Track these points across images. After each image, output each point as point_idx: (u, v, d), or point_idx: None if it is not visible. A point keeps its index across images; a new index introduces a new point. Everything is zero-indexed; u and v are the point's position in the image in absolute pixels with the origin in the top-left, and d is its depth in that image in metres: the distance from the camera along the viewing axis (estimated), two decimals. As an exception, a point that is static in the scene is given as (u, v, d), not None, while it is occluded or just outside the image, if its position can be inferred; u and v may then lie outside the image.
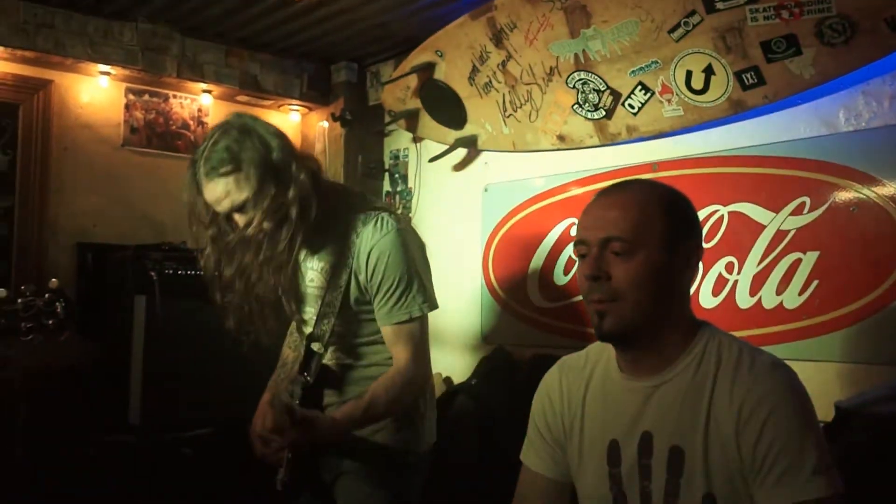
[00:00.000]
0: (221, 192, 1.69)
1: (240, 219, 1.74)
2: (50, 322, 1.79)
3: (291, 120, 4.13)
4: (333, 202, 1.85)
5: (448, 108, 3.36)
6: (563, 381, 1.52)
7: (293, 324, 2.08)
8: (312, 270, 1.90)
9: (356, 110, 3.93)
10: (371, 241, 1.80)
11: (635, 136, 2.76)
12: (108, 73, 3.48)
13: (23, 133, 3.35)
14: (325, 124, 4.02)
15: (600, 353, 1.48)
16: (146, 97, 3.71)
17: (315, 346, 1.89)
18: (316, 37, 3.65)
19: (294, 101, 4.01)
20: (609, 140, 2.84)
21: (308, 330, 1.92)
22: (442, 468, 3.17)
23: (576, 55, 2.78)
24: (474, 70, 3.14)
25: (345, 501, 1.90)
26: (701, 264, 2.52)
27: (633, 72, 2.64)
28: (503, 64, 3.02)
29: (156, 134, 3.74)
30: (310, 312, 1.92)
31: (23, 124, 3.35)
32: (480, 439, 2.92)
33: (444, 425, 3.25)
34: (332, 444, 1.83)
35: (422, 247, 1.95)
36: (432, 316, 3.63)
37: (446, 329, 3.56)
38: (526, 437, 1.57)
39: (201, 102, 3.85)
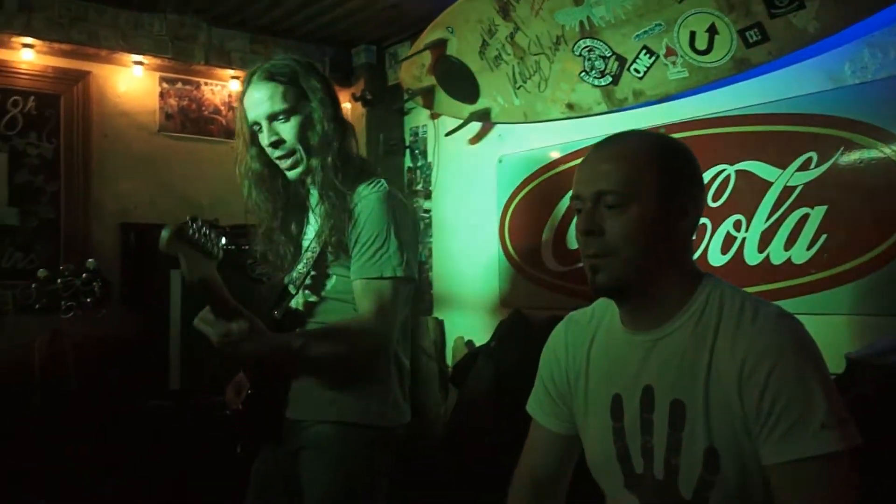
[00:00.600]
0: (263, 95, 1.63)
1: (266, 135, 1.65)
2: (88, 300, 1.73)
3: (317, 102, 4.00)
4: (352, 167, 1.72)
5: (461, 83, 3.20)
6: (568, 335, 1.39)
7: None
8: (311, 224, 1.77)
9: (376, 90, 3.80)
10: (360, 195, 1.67)
11: (642, 101, 2.58)
12: (141, 63, 3.39)
13: (65, 122, 3.29)
14: (348, 105, 3.89)
15: (606, 308, 1.34)
16: (179, 85, 3.62)
17: (290, 288, 1.75)
18: (334, 21, 3.51)
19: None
20: (617, 106, 2.67)
21: (289, 276, 1.77)
22: (462, 427, 3.10)
23: (581, 22, 2.60)
24: (484, 44, 2.98)
25: (307, 477, 1.71)
26: (709, 222, 2.35)
27: (637, 36, 2.45)
28: (511, 36, 2.85)
29: (189, 119, 3.66)
30: (302, 269, 1.77)
31: (65, 114, 3.29)
32: (499, 398, 2.81)
33: (466, 386, 3.17)
34: (277, 367, 1.67)
35: (413, 221, 1.78)
36: (454, 282, 3.55)
37: (466, 294, 3.45)
38: (533, 390, 1.45)
39: (230, 88, 3.74)
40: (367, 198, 1.65)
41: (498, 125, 3.29)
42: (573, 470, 1.42)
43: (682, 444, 1.16)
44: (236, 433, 1.76)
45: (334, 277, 1.72)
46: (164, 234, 1.41)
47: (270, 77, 1.64)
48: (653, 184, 1.17)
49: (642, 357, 1.23)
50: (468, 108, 3.25)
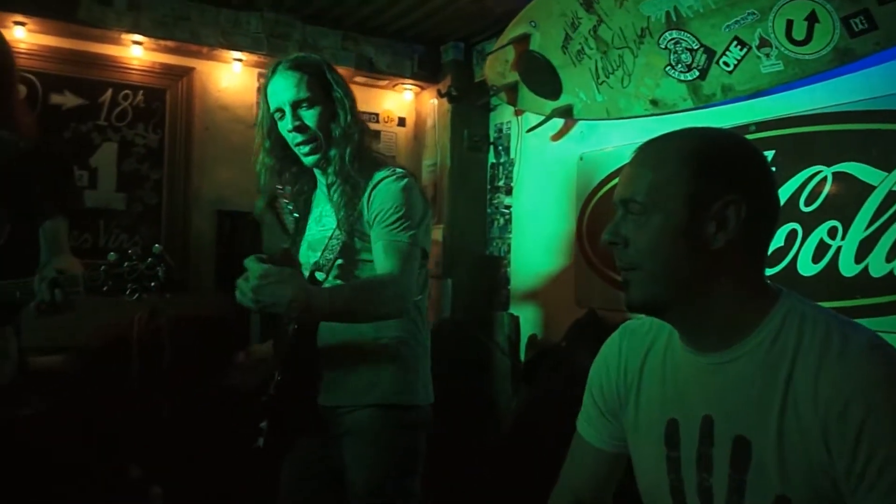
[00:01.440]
0: (289, 82, 1.64)
1: (290, 120, 1.65)
2: (152, 283, 1.65)
3: (405, 98, 3.89)
4: (367, 160, 1.70)
5: (544, 79, 2.99)
6: (622, 347, 1.18)
7: None
8: (326, 215, 1.75)
9: (462, 87, 3.64)
10: (380, 178, 1.66)
11: (731, 97, 2.29)
12: (240, 60, 3.38)
13: (170, 115, 3.33)
14: (435, 102, 3.76)
15: None
16: (275, 81, 3.59)
17: (318, 275, 1.70)
18: (423, 18, 3.38)
19: (406, 81, 3.77)
20: (703, 102, 2.39)
21: (314, 259, 1.74)
22: (529, 426, 2.91)
23: (667, 13, 2.34)
24: (567, 38, 2.76)
25: (352, 462, 1.67)
26: (800, 228, 2.02)
27: (727, 26, 2.17)
28: (594, 29, 2.62)
29: (284, 114, 3.62)
30: (314, 247, 1.76)
31: (170, 107, 3.33)
32: (567, 400, 2.60)
33: (536, 385, 2.98)
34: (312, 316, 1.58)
35: (426, 209, 1.72)
36: (530, 278, 3.34)
37: (541, 291, 3.25)
38: (583, 402, 1.26)
39: (324, 84, 3.69)
40: (385, 179, 1.65)
41: (580, 122, 3.06)
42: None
43: (746, 488, 0.94)
44: (266, 423, 1.67)
45: (361, 264, 1.69)
46: (259, 202, 1.58)
47: (296, 67, 1.66)
48: (680, 190, 0.96)
49: (703, 381, 1.02)
50: (550, 105, 3.04)
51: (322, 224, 1.76)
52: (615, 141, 2.90)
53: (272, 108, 1.69)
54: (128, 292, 1.63)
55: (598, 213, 2.99)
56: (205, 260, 3.39)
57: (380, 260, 1.61)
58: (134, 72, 3.23)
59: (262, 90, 1.72)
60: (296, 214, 1.84)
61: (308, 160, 1.69)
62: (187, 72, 3.35)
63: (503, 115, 3.62)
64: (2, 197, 1.84)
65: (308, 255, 1.77)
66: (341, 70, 3.46)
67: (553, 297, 3.17)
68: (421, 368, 1.73)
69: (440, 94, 3.61)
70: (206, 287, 3.37)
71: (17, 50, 2.93)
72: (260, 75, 3.55)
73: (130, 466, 2.99)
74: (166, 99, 3.32)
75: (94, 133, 3.18)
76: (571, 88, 2.89)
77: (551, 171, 3.26)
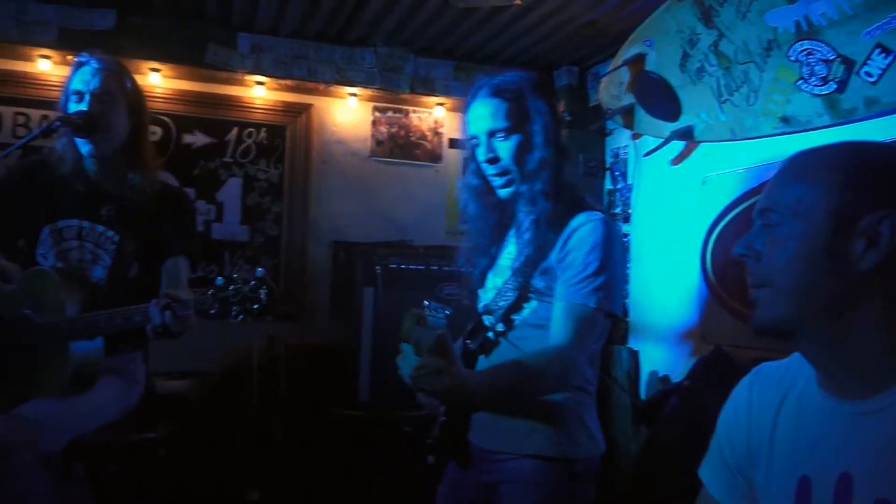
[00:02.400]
0: (486, 110, 1.55)
1: (484, 150, 1.57)
2: (255, 306, 1.68)
3: (518, 126, 3.86)
4: (565, 199, 1.57)
5: (662, 100, 2.83)
6: (753, 393, 1.05)
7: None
8: (512, 243, 1.64)
9: (576, 112, 3.56)
10: (577, 222, 1.51)
11: (876, 110, 2.04)
12: (355, 95, 3.50)
13: (289, 150, 3.49)
14: (549, 127, 3.69)
15: (804, 362, 1.00)
16: (389, 113, 3.69)
17: (486, 319, 1.63)
18: (534, 44, 3.34)
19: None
20: (843, 117, 2.15)
21: (485, 300, 1.66)
22: (651, 469, 2.72)
23: (797, 23, 2.14)
24: (685, 56, 2.60)
25: None
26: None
27: (867, 33, 1.95)
28: (715, 45, 2.45)
29: (398, 145, 3.70)
30: (492, 282, 1.66)
31: (289, 143, 3.49)
32: (690, 445, 2.40)
33: (657, 426, 2.78)
34: (470, 402, 1.53)
35: (623, 253, 1.64)
36: (651, 311, 3.16)
37: (663, 325, 3.05)
38: (708, 452, 1.13)
39: (436, 115, 3.73)
40: (585, 226, 1.51)
41: (702, 144, 2.87)
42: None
43: (889, 565, 0.79)
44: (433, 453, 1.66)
45: (534, 303, 1.57)
46: (407, 323, 1.40)
47: (496, 93, 1.56)
48: (825, 201, 0.84)
49: (842, 433, 0.88)
50: (669, 127, 2.88)
51: (510, 255, 1.65)
52: (742, 163, 2.69)
53: (469, 134, 1.61)
54: (233, 314, 1.68)
55: (724, 241, 2.78)
56: (320, 289, 3.50)
57: (556, 323, 1.51)
58: (257, 110, 3.43)
59: (465, 108, 1.63)
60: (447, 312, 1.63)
61: (502, 193, 1.60)
62: (306, 108, 3.50)
63: (620, 139, 3.49)
64: (134, 235, 2.00)
65: (493, 281, 1.66)
66: (454, 101, 3.56)
67: (675, 331, 2.97)
68: (588, 417, 1.60)
69: (553, 120, 3.53)
70: (321, 316, 3.47)
71: (153, 94, 3.22)
72: (375, 108, 3.65)
73: (249, 490, 3.10)
74: (286, 135, 3.49)
75: (221, 169, 3.39)
76: (692, 108, 2.72)
77: (672, 197, 3.08)
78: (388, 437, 2.76)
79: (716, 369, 2.59)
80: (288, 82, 3.33)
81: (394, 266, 2.89)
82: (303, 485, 3.01)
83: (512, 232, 1.66)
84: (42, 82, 3.11)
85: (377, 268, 2.83)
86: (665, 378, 2.95)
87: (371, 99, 3.59)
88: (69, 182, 1.97)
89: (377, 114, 3.66)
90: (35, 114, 3.15)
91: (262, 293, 1.67)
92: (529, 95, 1.57)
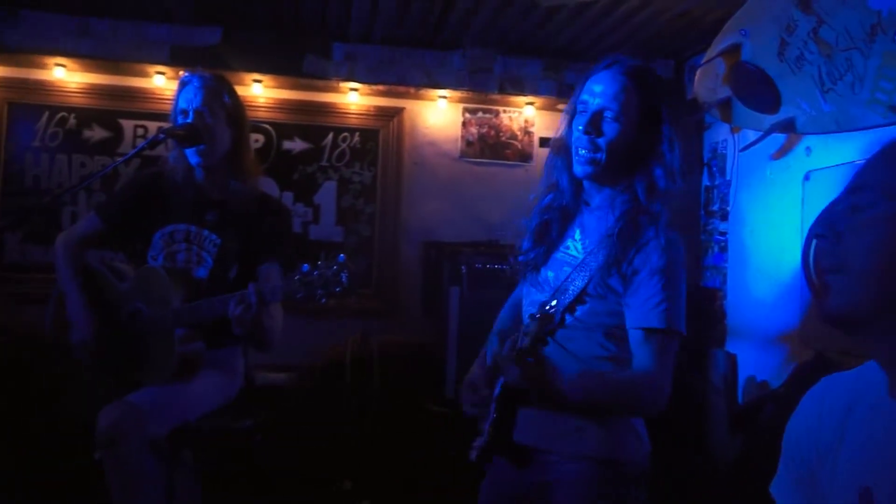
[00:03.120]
0: (607, 86, 1.48)
1: (586, 120, 1.50)
2: (337, 289, 1.81)
3: (611, 122, 3.78)
4: (652, 194, 1.52)
5: (759, 91, 2.70)
6: (824, 403, 1.01)
7: (515, 296, 1.83)
8: (575, 240, 1.59)
9: (672, 105, 3.43)
10: (651, 237, 1.46)
11: None
12: (445, 97, 3.56)
13: (382, 153, 3.61)
14: (643, 123, 3.59)
15: (878, 371, 0.95)
16: (479, 114, 3.72)
17: (543, 316, 1.58)
18: (626, 38, 3.26)
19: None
20: (960, 104, 1.98)
21: (542, 297, 1.60)
22: (748, 483, 2.59)
23: (903, 4, 1.99)
24: (783, 44, 2.46)
25: None
26: None
27: (984, 11, 1.78)
28: (814, 31, 2.31)
29: (488, 145, 3.73)
30: (550, 278, 1.61)
31: (382, 146, 3.61)
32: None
33: (753, 433, 2.66)
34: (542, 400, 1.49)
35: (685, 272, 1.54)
36: (749, 313, 3.03)
37: (760, 326, 2.91)
38: (778, 467, 1.10)
39: (526, 115, 3.73)
40: (665, 241, 1.45)
41: (805, 136, 2.71)
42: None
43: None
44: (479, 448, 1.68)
45: (588, 305, 1.53)
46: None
47: (637, 79, 1.49)
48: None
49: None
50: (769, 119, 2.74)
51: (568, 252, 1.60)
52: (848, 156, 2.52)
53: (579, 101, 1.53)
54: (317, 296, 1.80)
55: (828, 240, 2.61)
56: (412, 288, 3.60)
57: (637, 345, 1.47)
58: (351, 116, 3.57)
59: (583, 78, 1.57)
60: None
61: (579, 170, 1.53)
62: (398, 112, 3.60)
63: (718, 133, 3.34)
64: (234, 239, 2.17)
65: (546, 276, 1.61)
66: (543, 100, 3.55)
67: (773, 333, 2.82)
68: (635, 419, 1.58)
69: (646, 116, 3.44)
70: (413, 313, 3.57)
71: (255, 104, 3.43)
72: (465, 109, 3.70)
73: (343, 479, 3.24)
74: (379, 138, 3.61)
75: (318, 173, 3.56)
76: (792, 99, 2.56)
77: (773, 193, 2.93)
78: (471, 434, 2.80)
79: (815, 376, 2.43)
80: (380, 87, 3.44)
81: (479, 266, 2.92)
82: (394, 476, 3.11)
83: (576, 228, 1.60)
84: (158, 97, 3.40)
85: (462, 268, 2.89)
86: (763, 384, 2.81)
87: (461, 100, 3.65)
88: (179, 190, 2.17)
89: (467, 115, 3.71)
90: (152, 126, 3.44)
91: (344, 276, 1.80)
92: (661, 97, 1.52)
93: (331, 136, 3.57)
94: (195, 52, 3.20)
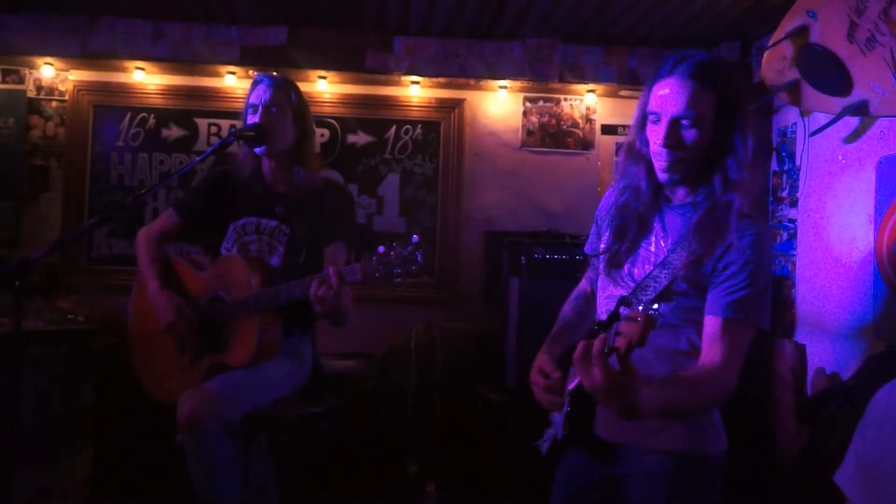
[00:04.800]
0: (678, 92, 1.44)
1: (663, 131, 1.47)
2: (413, 268, 1.93)
3: (675, 107, 3.72)
4: (737, 189, 1.50)
5: (829, 74, 2.62)
6: (890, 404, 1.03)
7: (582, 287, 1.85)
8: (657, 237, 1.60)
9: (743, 95, 3.35)
10: (741, 231, 1.46)
11: None
12: (504, 87, 3.59)
13: (443, 144, 3.68)
14: (709, 108, 3.52)
15: None
16: (540, 103, 3.73)
17: (647, 319, 1.61)
18: (691, 20, 3.20)
19: (676, 89, 3.60)
20: None
21: (622, 292, 1.60)
22: (815, 475, 2.55)
23: (980, -18, 1.90)
24: (852, 25, 2.38)
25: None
26: None
27: None
28: (885, 11, 2.23)
29: (549, 134, 3.74)
30: (631, 274, 1.61)
31: (443, 137, 3.68)
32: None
33: (820, 426, 2.60)
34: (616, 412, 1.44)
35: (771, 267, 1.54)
36: (819, 303, 2.96)
37: (830, 316, 2.83)
38: (844, 460, 1.12)
39: (587, 102, 3.72)
40: (753, 235, 1.46)
41: (878, 119, 2.61)
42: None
43: None
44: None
45: (673, 301, 1.54)
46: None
47: (697, 75, 1.45)
48: None
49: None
50: (839, 102, 2.65)
51: (650, 249, 1.60)
52: (926, 140, 2.42)
53: (649, 109, 1.50)
54: (395, 275, 1.92)
55: (904, 228, 2.52)
56: (473, 277, 3.66)
57: (711, 339, 1.46)
58: (413, 108, 3.65)
59: (649, 83, 1.54)
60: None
61: (664, 177, 1.53)
62: (458, 103, 3.66)
63: (787, 117, 3.25)
64: (301, 227, 2.32)
65: (629, 272, 1.60)
66: (605, 87, 3.53)
67: (843, 324, 2.74)
68: (714, 413, 1.58)
69: (712, 100, 3.37)
70: (475, 303, 3.64)
71: (321, 100, 3.56)
72: (525, 99, 3.72)
73: (409, 464, 3.36)
74: (440, 130, 3.68)
75: (381, 165, 3.66)
76: (864, 81, 2.48)
77: (844, 179, 2.83)
78: (532, 422, 2.85)
79: (886, 369, 2.37)
80: (441, 80, 3.50)
81: (538, 256, 2.96)
82: (457, 460, 3.20)
83: (658, 225, 1.59)
84: (229, 95, 3.57)
85: (522, 258, 2.92)
86: (833, 376, 2.74)
87: (521, 90, 3.67)
88: (248, 185, 2.34)
89: (528, 104, 3.72)
90: (224, 123, 3.62)
91: (419, 255, 1.92)
92: (726, 84, 1.47)
93: (393, 128, 3.66)
94: (263, 52, 3.35)
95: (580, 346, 1.36)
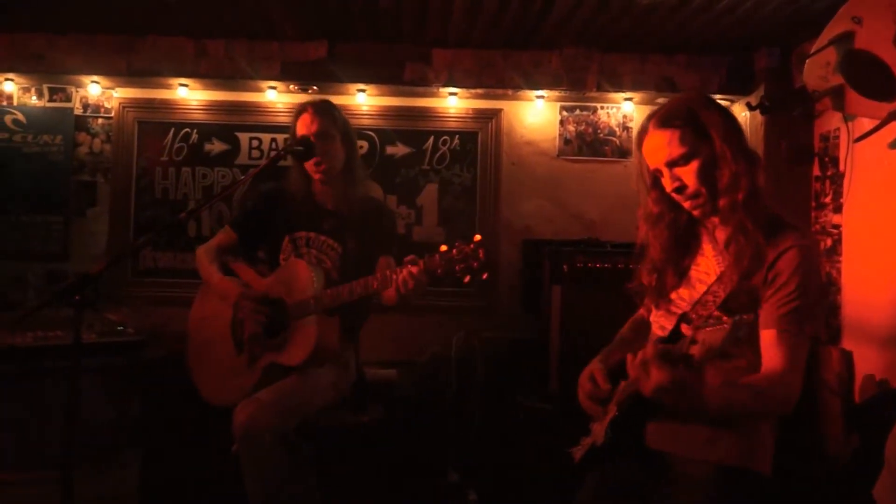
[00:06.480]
0: (660, 142, 1.59)
1: (668, 181, 1.62)
2: (474, 265, 2.00)
3: (713, 114, 3.73)
4: (762, 214, 1.58)
5: (875, 79, 2.62)
6: None
7: (640, 313, 1.89)
8: (705, 256, 1.66)
9: (778, 96, 3.35)
10: (788, 245, 1.52)
11: None
12: (542, 97, 3.62)
13: (481, 154, 3.73)
14: (746, 115, 3.52)
15: None
16: (577, 112, 3.77)
17: (685, 330, 1.64)
18: (729, 28, 3.21)
19: (714, 97, 3.60)
20: None
21: (678, 310, 1.66)
22: (863, 484, 2.53)
23: None
24: (899, 31, 2.38)
25: None
26: None
27: None
28: (934, 17, 2.23)
29: (585, 143, 3.77)
30: (685, 294, 1.67)
31: (481, 147, 3.73)
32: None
33: (870, 434, 2.59)
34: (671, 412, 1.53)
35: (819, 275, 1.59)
36: (866, 309, 2.95)
37: (878, 323, 2.82)
38: (881, 474, 1.14)
39: (624, 110, 3.74)
40: (793, 249, 1.52)
41: (926, 124, 2.60)
42: None
43: None
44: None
45: (730, 315, 1.56)
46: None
47: (665, 123, 1.60)
48: None
49: None
50: (885, 107, 2.64)
51: (700, 268, 1.67)
52: (976, 144, 2.41)
53: (651, 168, 1.66)
54: (458, 272, 2.00)
55: (954, 233, 2.50)
56: (511, 286, 3.69)
57: (767, 348, 1.52)
58: (450, 119, 3.70)
59: (638, 143, 1.70)
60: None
61: (697, 213, 1.64)
62: (496, 113, 3.71)
63: (830, 121, 3.24)
64: (350, 242, 2.45)
65: (679, 295, 1.68)
66: (642, 94, 3.55)
67: (895, 332, 2.73)
68: (769, 427, 1.61)
69: (749, 108, 3.38)
70: (514, 311, 3.67)
71: (360, 112, 3.63)
72: (562, 108, 3.75)
73: (450, 471, 3.39)
74: (478, 140, 3.73)
75: (419, 176, 3.72)
76: (911, 87, 2.48)
77: (890, 185, 2.82)
78: (575, 430, 2.87)
79: (941, 377, 2.35)
80: (479, 91, 3.55)
81: (580, 264, 2.98)
82: (498, 469, 3.23)
83: (707, 244, 1.66)
84: (270, 110, 3.66)
85: (564, 266, 2.95)
86: (882, 382, 2.72)
87: (558, 99, 3.70)
88: (299, 201, 2.46)
89: (564, 113, 3.76)
90: (266, 137, 3.71)
91: (481, 252, 2.00)
92: (700, 112, 1.58)
93: (431, 139, 3.72)
94: (304, 67, 3.43)
95: (639, 352, 1.41)
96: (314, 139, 2.33)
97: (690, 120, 1.58)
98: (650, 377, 1.36)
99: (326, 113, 2.38)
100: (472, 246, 1.99)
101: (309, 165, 2.37)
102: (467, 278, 2.00)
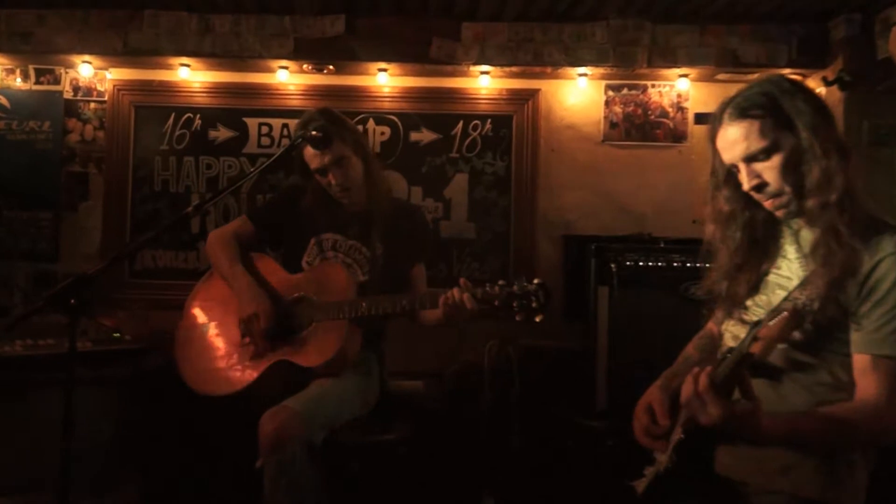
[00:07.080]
0: (737, 134, 1.55)
1: (746, 178, 1.57)
2: (534, 306, 2.09)
3: (781, 92, 3.65)
4: (859, 215, 1.51)
5: (973, 49, 2.54)
6: None
7: (708, 328, 1.83)
8: (787, 259, 1.62)
9: (860, 69, 3.27)
10: (882, 250, 1.47)
11: None
12: (585, 75, 3.57)
13: (516, 140, 3.68)
14: (822, 91, 3.44)
15: None
16: (624, 91, 3.71)
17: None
18: (799, -6, 3.14)
19: (783, 71, 3.52)
20: None
21: (753, 318, 1.61)
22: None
23: None
24: None
25: None
26: None
27: None
28: None
29: (634, 126, 3.71)
30: (762, 301, 1.63)
31: (516, 132, 3.68)
32: None
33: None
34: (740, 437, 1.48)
35: None
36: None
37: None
38: None
39: (679, 88, 3.67)
40: (891, 256, 1.46)
41: None
42: None
43: None
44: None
45: (809, 328, 1.52)
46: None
47: (743, 113, 1.55)
48: None
49: None
50: None
51: (781, 272, 1.63)
52: None
53: (726, 163, 1.62)
54: (515, 308, 2.09)
55: None
56: (552, 287, 3.63)
57: (860, 373, 1.48)
58: (482, 101, 3.66)
59: (710, 137, 1.65)
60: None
61: (780, 216, 1.61)
62: (532, 94, 3.66)
63: (917, 98, 3.15)
64: (379, 247, 2.50)
65: (756, 302, 1.65)
66: (699, 70, 3.48)
67: None
68: (859, 465, 1.55)
69: (826, 83, 3.30)
70: (554, 316, 3.61)
71: (380, 94, 3.61)
72: (608, 87, 3.70)
73: (485, 494, 3.35)
74: (513, 124, 3.68)
75: (448, 165, 3.68)
76: None
77: None
78: (626, 452, 2.81)
79: None
80: (513, 69, 3.51)
81: (631, 263, 2.94)
82: (539, 492, 3.18)
83: (787, 244, 1.63)
84: (281, 92, 3.64)
85: (612, 265, 2.91)
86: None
87: (603, 77, 3.64)
88: (324, 204, 2.51)
89: (611, 92, 3.70)
90: (276, 123, 3.70)
91: (542, 295, 2.08)
92: (785, 101, 1.52)
93: (460, 124, 3.68)
94: (319, 44, 3.42)
95: (685, 384, 1.40)
96: (329, 168, 2.40)
97: (771, 108, 1.52)
98: (707, 412, 1.36)
99: (334, 135, 2.37)
100: (534, 285, 2.08)
101: (331, 189, 2.45)
102: (519, 316, 2.09)
